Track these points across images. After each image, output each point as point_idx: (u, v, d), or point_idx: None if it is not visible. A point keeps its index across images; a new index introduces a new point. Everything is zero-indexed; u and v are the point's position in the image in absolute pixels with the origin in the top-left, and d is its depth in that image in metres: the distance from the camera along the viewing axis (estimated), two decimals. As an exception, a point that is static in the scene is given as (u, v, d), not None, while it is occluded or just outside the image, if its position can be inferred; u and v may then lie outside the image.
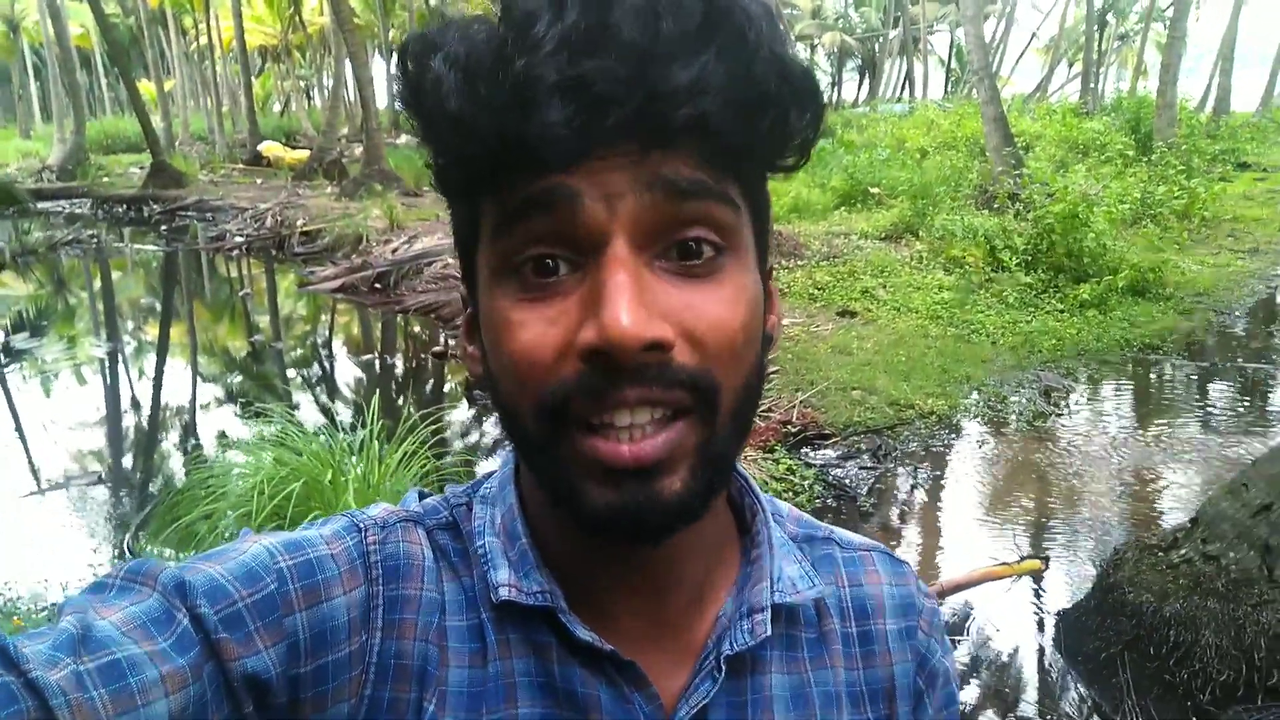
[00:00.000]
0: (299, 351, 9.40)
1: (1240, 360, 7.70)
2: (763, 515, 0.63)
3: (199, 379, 8.58)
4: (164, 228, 16.97)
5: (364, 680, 0.53)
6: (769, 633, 0.58)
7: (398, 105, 0.50)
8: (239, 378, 8.53)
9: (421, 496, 0.65)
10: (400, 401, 7.24)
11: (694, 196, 0.47)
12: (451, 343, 8.30)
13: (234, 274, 13.25)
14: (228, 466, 4.14)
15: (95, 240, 15.46)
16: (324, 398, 7.76)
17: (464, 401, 7.11)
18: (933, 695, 0.68)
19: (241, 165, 24.71)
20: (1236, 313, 9.14)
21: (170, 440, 6.85)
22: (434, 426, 4.43)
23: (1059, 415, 6.41)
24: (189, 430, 6.97)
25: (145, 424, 7.18)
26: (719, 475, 0.51)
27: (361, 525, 0.58)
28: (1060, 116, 19.55)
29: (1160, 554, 3.65)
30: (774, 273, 0.59)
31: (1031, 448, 5.82)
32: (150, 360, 9.22)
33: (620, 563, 0.57)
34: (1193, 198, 12.21)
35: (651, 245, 0.47)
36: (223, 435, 6.43)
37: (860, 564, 0.69)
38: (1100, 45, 36.49)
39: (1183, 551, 3.57)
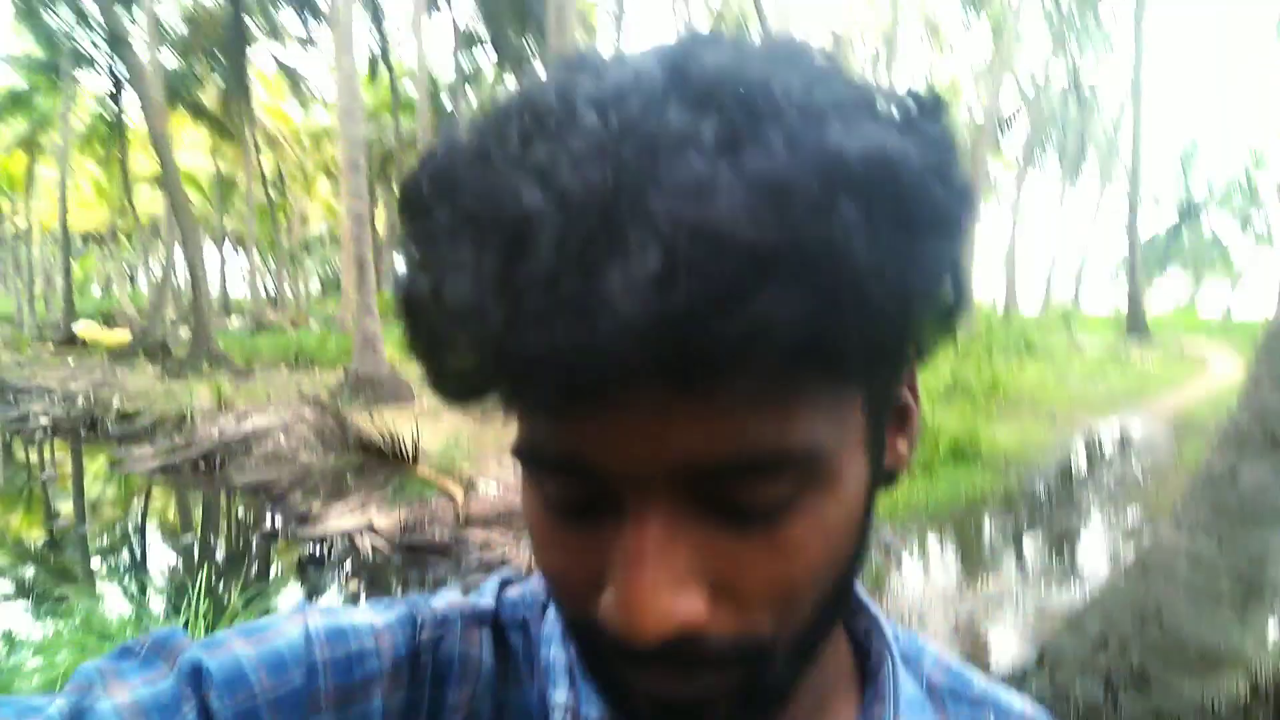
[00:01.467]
0: (107, 537, 8.58)
1: (1048, 514, 8.29)
2: (890, 666, 0.52)
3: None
4: (-45, 411, 15.51)
5: None
6: None
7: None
8: (31, 569, 7.65)
9: (504, 584, 0.56)
10: (228, 584, 6.67)
11: (752, 472, 0.35)
12: (279, 522, 7.83)
13: (34, 458, 12.17)
14: (9, 667, 3.68)
15: None
16: (133, 585, 7.04)
17: (296, 582, 6.63)
18: None
19: (53, 346, 23.28)
20: (1043, 473, 9.90)
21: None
22: (264, 607, 4.14)
23: (898, 570, 6.61)
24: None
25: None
26: (779, 695, 0.42)
27: (420, 619, 0.51)
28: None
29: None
30: (916, 378, 0.46)
31: (875, 603, 5.94)
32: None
33: None
34: (995, 377, 13.45)
35: (698, 486, 0.36)
36: (8, 635, 5.68)
37: None
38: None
39: (1033, 687, 3.67)
